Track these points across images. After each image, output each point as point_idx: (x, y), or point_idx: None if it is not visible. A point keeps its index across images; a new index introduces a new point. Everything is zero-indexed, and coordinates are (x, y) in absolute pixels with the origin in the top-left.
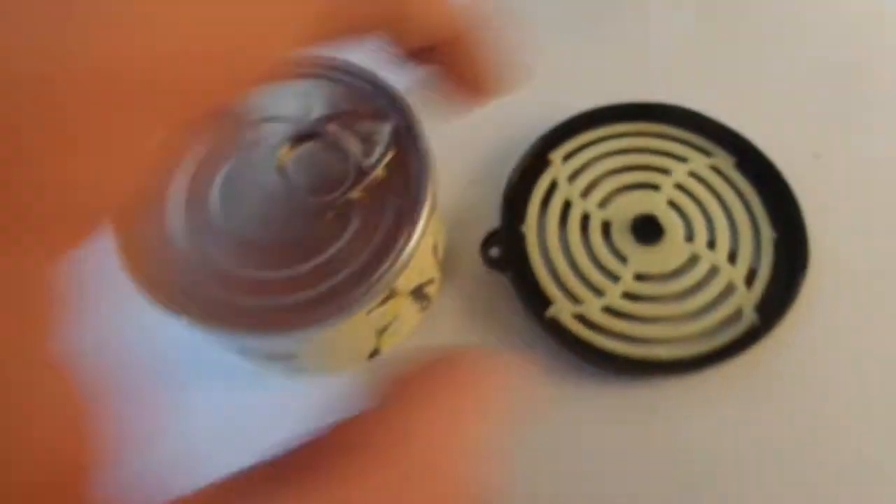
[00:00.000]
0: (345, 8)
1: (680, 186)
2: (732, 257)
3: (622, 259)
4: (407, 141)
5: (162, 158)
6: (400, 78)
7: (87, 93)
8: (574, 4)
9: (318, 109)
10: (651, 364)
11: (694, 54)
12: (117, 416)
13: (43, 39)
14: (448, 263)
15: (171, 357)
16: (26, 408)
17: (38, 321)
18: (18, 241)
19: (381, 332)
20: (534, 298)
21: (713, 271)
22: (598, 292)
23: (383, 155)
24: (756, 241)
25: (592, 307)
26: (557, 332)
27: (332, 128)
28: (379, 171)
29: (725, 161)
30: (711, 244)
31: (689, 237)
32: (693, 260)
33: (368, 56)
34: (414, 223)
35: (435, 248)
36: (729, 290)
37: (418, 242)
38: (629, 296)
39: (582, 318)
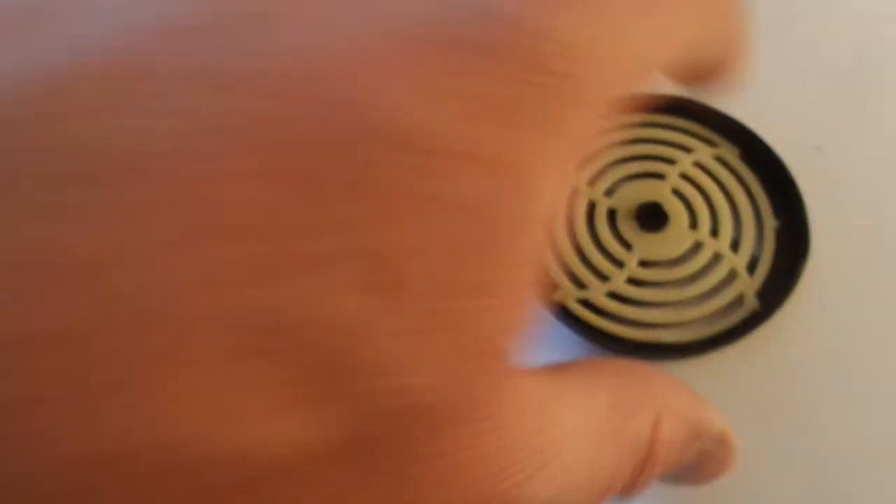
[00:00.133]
0: None
1: (685, 176)
2: (735, 245)
3: (627, 246)
4: None
5: None
6: None
7: None
8: None
9: None
10: (654, 347)
11: None
12: None
13: None
14: None
15: None
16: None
17: None
18: None
19: None
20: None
21: (716, 258)
22: (604, 278)
23: None
24: (758, 230)
25: (598, 292)
26: (562, 316)
27: None
28: None
29: (730, 152)
30: (714, 232)
31: (693, 225)
32: (696, 247)
33: None
34: None
35: None
36: (731, 276)
37: None
38: (634, 281)
39: (587, 303)
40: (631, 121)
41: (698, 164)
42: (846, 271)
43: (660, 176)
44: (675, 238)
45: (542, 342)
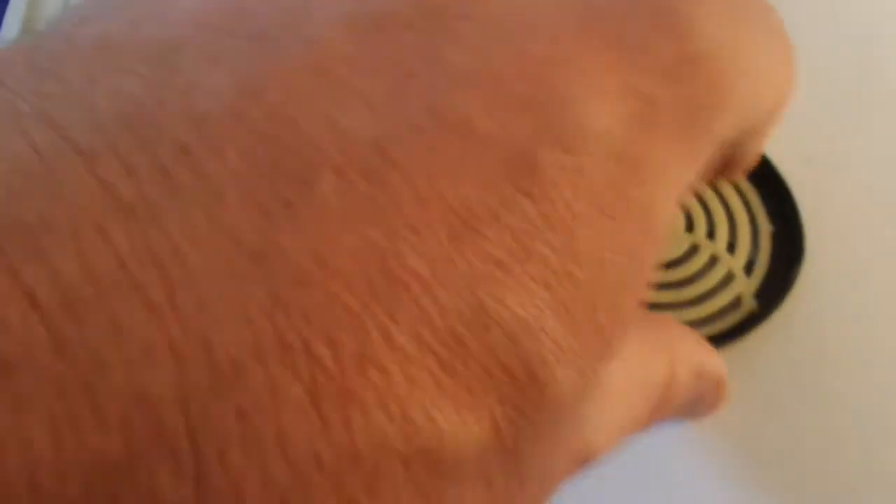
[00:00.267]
0: None
1: None
2: (731, 248)
3: None
4: None
5: None
6: None
7: None
8: None
9: None
10: None
11: None
12: None
13: None
14: None
15: None
16: None
17: None
18: None
19: None
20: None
21: (713, 260)
22: None
23: None
24: (754, 233)
25: None
26: None
27: None
28: None
29: None
30: (711, 235)
31: (690, 228)
32: (693, 249)
33: None
34: None
35: None
36: (728, 278)
37: None
38: None
39: None
40: None
41: None
42: (841, 272)
43: None
44: (672, 240)
45: None
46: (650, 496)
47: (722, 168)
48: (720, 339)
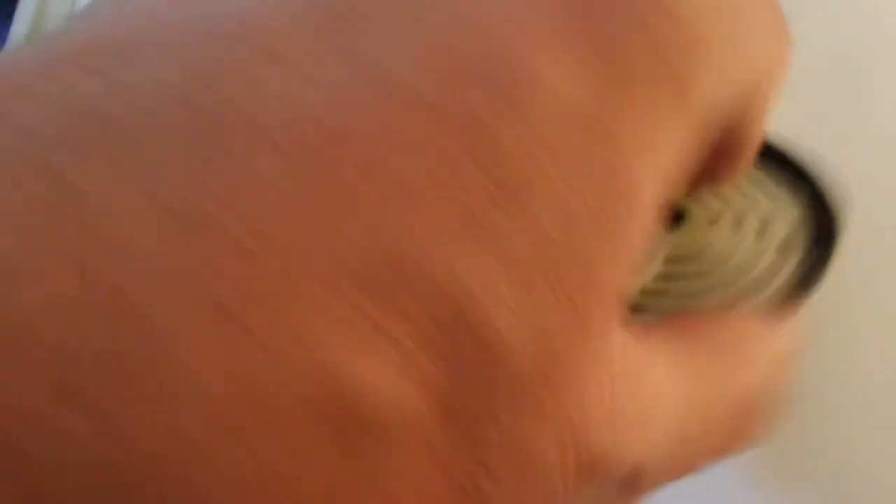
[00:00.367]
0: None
1: None
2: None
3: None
4: None
5: None
6: None
7: None
8: None
9: None
10: None
11: None
12: None
13: None
14: None
15: None
16: None
17: None
18: None
19: None
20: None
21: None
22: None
23: None
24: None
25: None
26: None
27: None
28: None
29: None
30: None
31: (713, 220)
32: (716, 237)
33: None
34: None
35: None
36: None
37: None
38: (661, 276)
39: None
40: None
41: None
42: (840, 271)
43: None
44: (695, 232)
45: None
46: (661, 492)
47: (727, 156)
48: None
